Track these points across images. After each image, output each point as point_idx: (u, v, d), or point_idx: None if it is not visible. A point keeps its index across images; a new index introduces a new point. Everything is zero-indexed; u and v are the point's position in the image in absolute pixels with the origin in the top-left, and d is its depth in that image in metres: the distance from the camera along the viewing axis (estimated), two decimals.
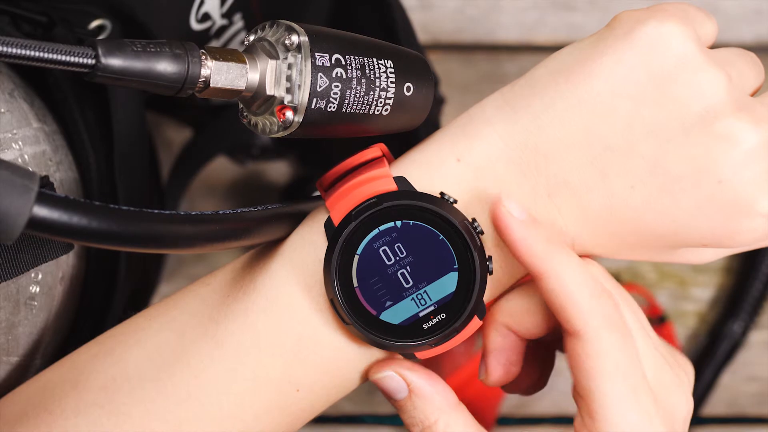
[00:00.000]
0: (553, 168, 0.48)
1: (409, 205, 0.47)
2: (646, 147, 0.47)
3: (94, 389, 0.48)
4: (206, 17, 0.66)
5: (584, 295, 0.46)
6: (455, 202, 0.47)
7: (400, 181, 0.48)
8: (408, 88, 0.47)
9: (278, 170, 0.87)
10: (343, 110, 0.45)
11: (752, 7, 0.88)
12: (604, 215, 0.48)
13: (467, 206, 0.48)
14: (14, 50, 0.39)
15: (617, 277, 0.86)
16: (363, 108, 0.46)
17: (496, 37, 0.88)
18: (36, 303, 0.54)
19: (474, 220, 0.47)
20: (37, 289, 0.54)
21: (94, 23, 0.60)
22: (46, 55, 0.40)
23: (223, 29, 0.68)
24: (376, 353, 0.49)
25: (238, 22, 0.68)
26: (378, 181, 0.48)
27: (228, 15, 0.67)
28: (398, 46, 0.48)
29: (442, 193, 0.47)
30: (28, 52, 0.40)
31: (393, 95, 0.47)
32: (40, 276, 0.54)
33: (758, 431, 0.86)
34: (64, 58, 0.40)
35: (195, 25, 0.65)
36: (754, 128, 0.46)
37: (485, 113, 0.49)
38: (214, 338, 0.48)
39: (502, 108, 0.49)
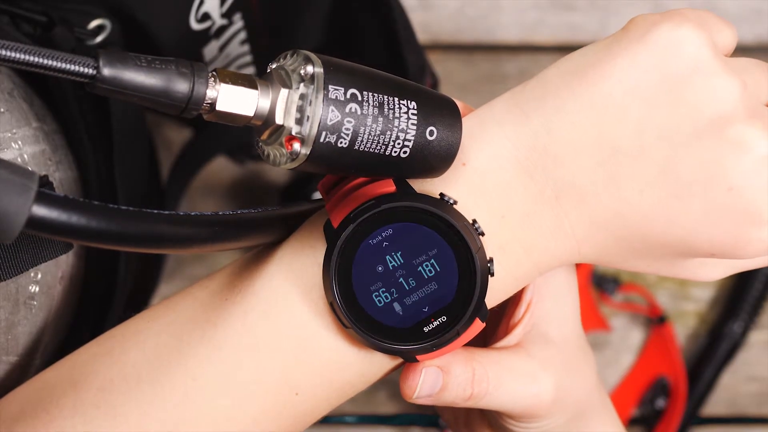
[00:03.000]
0: (561, 171, 0.47)
1: (407, 206, 0.47)
2: (656, 151, 0.46)
3: (91, 390, 0.48)
4: (206, 17, 0.66)
5: None
6: (455, 203, 0.47)
7: (400, 182, 0.48)
8: (431, 132, 0.45)
9: (278, 170, 0.87)
10: (356, 147, 0.44)
11: (752, 7, 0.88)
12: (612, 220, 0.47)
13: (470, 207, 0.47)
14: (15, 55, 0.39)
15: (617, 276, 0.86)
16: (378, 148, 0.44)
17: (496, 37, 0.88)
18: (35, 302, 0.54)
19: (474, 221, 0.47)
20: (37, 289, 0.54)
21: (94, 23, 0.60)
22: (47, 62, 0.39)
23: (222, 29, 0.68)
24: (376, 356, 0.48)
25: (238, 22, 0.68)
26: (377, 182, 0.47)
27: (228, 15, 0.67)
28: (427, 88, 0.47)
29: (442, 195, 0.47)
30: (29, 58, 0.39)
31: (413, 138, 0.45)
32: (39, 275, 0.54)
33: (758, 431, 0.86)
34: (64, 66, 0.39)
35: (194, 25, 0.65)
36: (766, 135, 0.46)
37: (494, 115, 0.48)
38: (212, 340, 0.48)
39: (511, 109, 0.48)
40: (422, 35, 0.85)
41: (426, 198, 0.47)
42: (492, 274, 0.47)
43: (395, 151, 0.45)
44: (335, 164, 0.44)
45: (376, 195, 0.47)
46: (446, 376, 0.49)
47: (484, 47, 0.88)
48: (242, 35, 0.69)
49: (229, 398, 0.47)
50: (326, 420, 0.85)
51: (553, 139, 0.47)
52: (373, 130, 0.44)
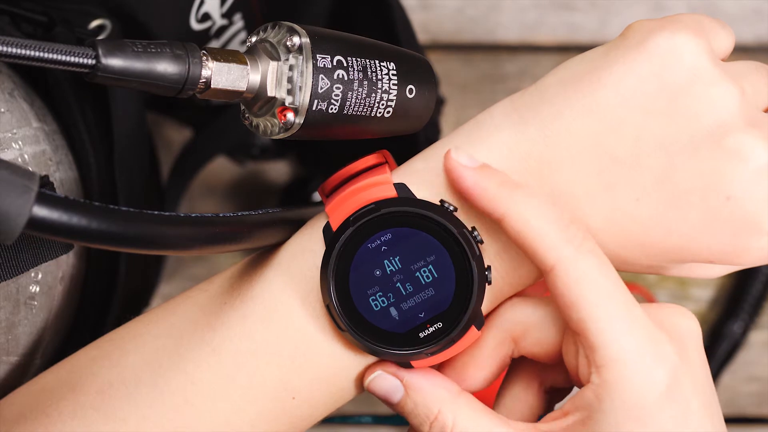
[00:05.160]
0: (557, 178, 0.47)
1: (407, 212, 0.47)
2: (653, 160, 0.46)
3: (91, 393, 0.48)
4: (206, 17, 0.66)
5: (551, 228, 0.45)
6: (455, 210, 0.47)
7: (401, 187, 0.48)
8: (410, 91, 0.47)
9: (278, 170, 0.87)
10: (345, 112, 0.45)
11: (752, 7, 0.88)
12: (609, 227, 0.47)
13: (468, 214, 0.47)
14: (14, 50, 0.39)
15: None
16: (364, 110, 0.46)
17: (496, 37, 0.88)
18: (36, 303, 0.54)
19: (474, 228, 0.47)
20: (37, 289, 0.54)
21: (94, 23, 0.60)
22: (46, 55, 0.40)
23: (223, 29, 0.68)
24: (371, 361, 0.48)
25: (238, 22, 0.68)
26: (378, 187, 0.47)
27: (228, 15, 0.67)
28: (402, 48, 0.48)
29: (442, 201, 0.47)
30: (28, 52, 0.40)
31: (395, 98, 0.46)
32: (39, 276, 0.54)
33: (758, 431, 0.86)
34: (64, 58, 0.40)
35: (195, 25, 0.65)
36: (765, 145, 0.46)
37: (493, 120, 0.48)
38: (211, 345, 0.48)
39: (510, 116, 0.48)
40: (422, 35, 0.85)
41: (426, 204, 0.47)
42: (489, 283, 0.47)
43: (380, 112, 0.46)
44: (326, 130, 0.46)
45: (377, 199, 0.47)
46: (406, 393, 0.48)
47: (484, 47, 0.88)
48: (242, 35, 0.69)
49: (228, 402, 0.47)
50: (326, 420, 0.85)
51: (550, 146, 0.47)
52: (359, 93, 0.45)
